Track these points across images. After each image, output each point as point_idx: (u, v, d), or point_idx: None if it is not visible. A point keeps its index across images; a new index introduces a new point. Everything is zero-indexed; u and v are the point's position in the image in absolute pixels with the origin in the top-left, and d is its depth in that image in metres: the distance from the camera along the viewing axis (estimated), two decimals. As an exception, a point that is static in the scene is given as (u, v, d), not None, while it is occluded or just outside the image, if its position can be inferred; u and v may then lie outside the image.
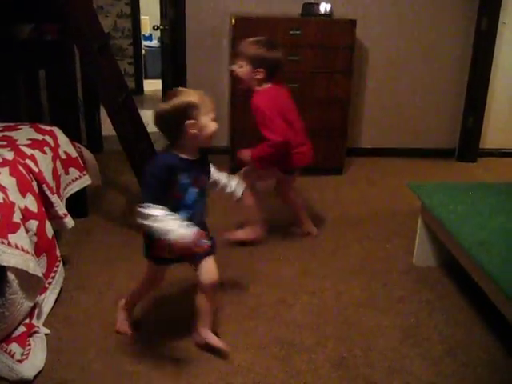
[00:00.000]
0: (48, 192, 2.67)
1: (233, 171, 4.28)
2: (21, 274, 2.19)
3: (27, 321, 2.32)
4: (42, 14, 3.18)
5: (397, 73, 4.73)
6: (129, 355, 2.26)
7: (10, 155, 2.59)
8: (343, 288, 2.78)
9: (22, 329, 2.27)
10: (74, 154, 3.17)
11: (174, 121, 2.01)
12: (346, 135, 4.33)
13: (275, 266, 2.98)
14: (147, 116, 6.48)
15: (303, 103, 4.15)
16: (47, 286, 2.54)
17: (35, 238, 2.45)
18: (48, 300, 2.54)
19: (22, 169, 2.54)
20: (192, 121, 1.99)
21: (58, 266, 2.65)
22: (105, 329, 2.42)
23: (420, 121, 4.87)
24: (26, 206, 2.42)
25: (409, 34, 4.62)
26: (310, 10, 4.27)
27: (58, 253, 2.67)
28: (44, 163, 2.79)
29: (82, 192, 3.29)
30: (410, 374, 2.17)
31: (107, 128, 4.51)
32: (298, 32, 4.00)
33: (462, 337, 2.41)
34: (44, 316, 2.47)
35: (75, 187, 3.17)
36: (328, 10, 4.25)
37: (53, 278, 2.60)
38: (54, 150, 2.98)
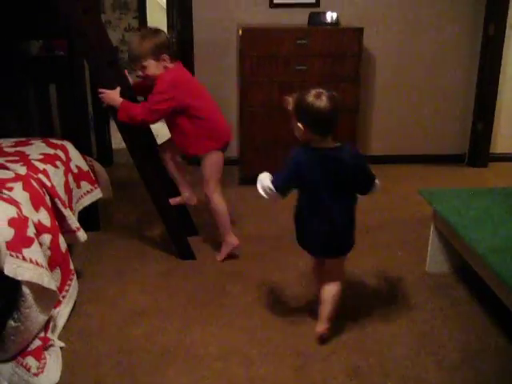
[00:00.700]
0: (61, 206, 2.69)
1: (242, 182, 4.33)
2: (35, 287, 2.20)
3: (42, 334, 2.33)
4: (52, 30, 3.20)
5: (405, 79, 4.73)
6: (143, 367, 2.26)
7: (22, 170, 2.62)
8: (357, 296, 2.77)
9: (37, 342, 2.29)
10: (85, 167, 3.19)
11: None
12: (355, 143, 4.33)
13: (288, 275, 2.98)
14: (157, 129, 6.50)
15: (312, 112, 4.18)
16: (61, 299, 2.55)
17: (49, 252, 2.46)
18: (62, 313, 2.55)
19: (34, 183, 2.56)
20: None
21: (71, 280, 2.67)
22: (119, 341, 2.43)
23: (429, 127, 4.86)
24: (39, 221, 2.44)
25: (416, 40, 4.63)
26: (316, 19, 4.28)
27: (71, 266, 2.68)
28: (56, 177, 2.81)
29: (93, 205, 3.31)
30: (426, 383, 2.16)
31: (117, 141, 4.55)
32: (304, 41, 4.02)
33: (478, 344, 2.40)
34: (59, 329, 2.49)
35: (87, 201, 3.19)
36: (334, 18, 4.26)
37: (67, 291, 2.61)
38: (66, 164, 3.00)
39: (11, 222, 2.17)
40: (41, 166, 2.75)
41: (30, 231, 2.30)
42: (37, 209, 2.47)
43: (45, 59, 3.46)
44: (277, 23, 4.45)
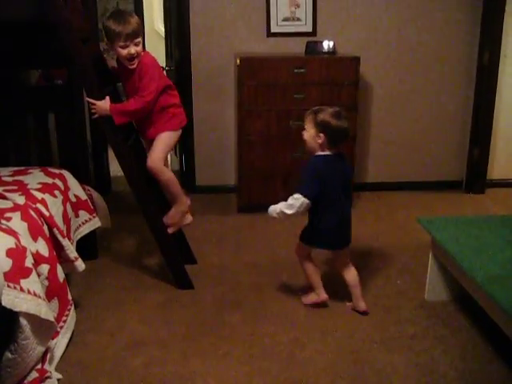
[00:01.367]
0: (59, 236, 2.68)
1: (240, 210, 4.33)
2: (33, 319, 2.19)
3: (39, 366, 2.31)
4: (52, 60, 3.23)
5: (401, 107, 4.77)
6: (142, 399, 2.24)
7: (21, 200, 2.62)
8: (355, 326, 2.75)
9: (34, 374, 2.27)
10: (83, 196, 3.20)
11: None
12: (353, 171, 4.34)
13: (287, 305, 2.96)
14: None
15: (309, 140, 4.20)
16: (59, 329, 2.53)
17: (47, 282, 2.45)
18: (60, 344, 2.53)
19: (33, 213, 2.56)
20: None
21: (69, 310, 2.65)
22: (117, 373, 2.40)
23: (426, 154, 4.89)
24: (37, 251, 2.43)
25: (412, 68, 4.68)
26: (313, 48, 4.33)
27: (69, 296, 2.67)
28: (54, 207, 2.81)
29: (91, 234, 3.30)
30: (428, 414, 2.15)
31: (115, 169, 4.56)
32: (302, 70, 4.05)
33: (479, 373, 2.38)
34: (56, 360, 2.47)
35: (85, 230, 3.19)
36: (331, 47, 4.31)
37: (64, 321, 2.60)
38: (64, 193, 3.01)
39: (9, 253, 2.16)
40: (39, 195, 2.75)
41: (28, 261, 2.29)
42: (35, 239, 2.46)
43: (43, 88, 3.48)
44: (274, 52, 4.50)
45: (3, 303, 2.05)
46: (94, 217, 3.26)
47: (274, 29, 4.52)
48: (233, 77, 4.54)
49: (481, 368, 2.41)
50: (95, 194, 3.39)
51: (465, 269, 2.42)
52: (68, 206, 3.00)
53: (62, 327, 2.57)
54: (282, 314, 2.87)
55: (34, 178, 2.97)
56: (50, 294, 2.47)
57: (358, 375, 2.37)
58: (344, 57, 4.21)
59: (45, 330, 2.30)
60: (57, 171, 3.14)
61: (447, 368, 2.40)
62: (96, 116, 2.95)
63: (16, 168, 3.18)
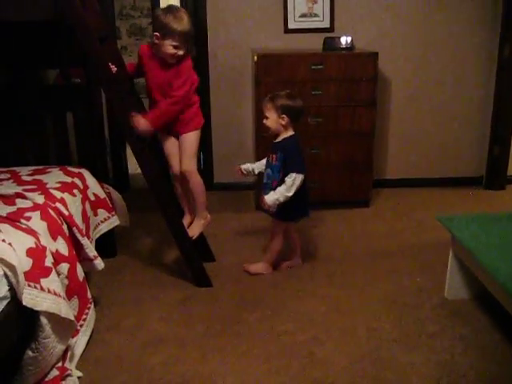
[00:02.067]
0: (78, 234, 2.70)
1: (258, 208, 4.31)
2: (53, 317, 2.21)
3: (60, 364, 2.33)
4: (70, 59, 3.24)
5: (420, 103, 4.72)
6: (161, 398, 2.25)
7: (40, 199, 2.63)
8: (375, 324, 2.74)
9: (54, 372, 2.29)
10: (102, 195, 3.21)
11: None
12: (372, 167, 4.32)
13: (306, 303, 2.96)
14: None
15: (328, 137, 4.18)
16: (79, 328, 2.55)
17: (66, 281, 2.47)
18: (80, 342, 2.55)
19: (52, 212, 2.58)
20: None
21: (89, 308, 2.67)
22: (136, 371, 2.42)
23: (445, 150, 4.84)
24: (57, 250, 2.45)
25: (431, 64, 4.63)
26: (331, 44, 4.30)
27: (89, 295, 2.68)
28: (74, 206, 2.83)
29: (110, 232, 3.31)
30: (448, 414, 2.13)
31: (133, 166, 4.57)
32: (320, 67, 4.03)
33: (500, 374, 2.35)
34: (76, 359, 2.48)
35: (104, 228, 3.21)
36: (349, 43, 4.28)
37: (84, 320, 2.61)
38: (83, 191, 3.02)
39: (29, 252, 2.18)
40: (58, 194, 2.77)
41: (48, 261, 2.31)
42: (55, 238, 2.48)
43: (62, 87, 3.49)
44: (291, 48, 4.48)
45: (24, 302, 2.06)
46: (112, 215, 3.28)
47: (291, 25, 4.50)
48: (250, 74, 4.52)
49: (501, 369, 2.38)
50: (114, 192, 3.40)
51: (486, 267, 2.39)
52: (87, 204, 3.02)
53: (81, 325, 2.59)
54: (300, 312, 2.86)
55: (53, 177, 2.99)
56: (69, 293, 2.49)
57: (377, 374, 2.36)
58: (362, 52, 4.18)
59: (65, 328, 2.32)
60: (75, 170, 3.15)
61: (467, 368, 2.38)
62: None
63: (35, 167, 3.19)
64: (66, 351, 2.38)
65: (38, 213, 2.49)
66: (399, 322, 2.77)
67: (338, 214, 4.24)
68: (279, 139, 3.13)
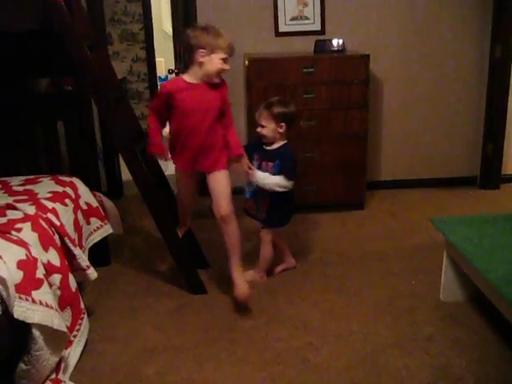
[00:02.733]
0: (70, 245, 2.68)
1: (246, 213, 4.28)
2: (46, 329, 2.20)
3: (54, 376, 2.32)
4: (60, 68, 3.22)
5: (413, 104, 4.72)
6: (156, 409, 2.24)
7: (31, 210, 2.62)
8: (370, 329, 2.73)
9: (48, 384, 2.27)
10: (94, 203, 3.19)
11: None
12: (366, 170, 4.31)
13: (301, 308, 2.95)
14: (165, 164, 6.48)
15: (321, 140, 4.17)
16: (72, 339, 2.54)
17: (59, 292, 2.45)
18: (74, 353, 2.53)
19: (43, 223, 2.56)
20: None
21: (82, 319, 2.65)
22: (131, 381, 2.40)
23: (439, 150, 4.84)
24: (48, 261, 2.43)
25: (422, 65, 4.62)
26: (322, 46, 4.30)
27: (82, 305, 2.67)
28: (65, 215, 2.81)
29: (103, 240, 3.29)
30: (444, 419, 2.12)
31: (127, 173, 4.55)
32: (311, 70, 4.02)
33: (496, 375, 2.34)
34: (70, 370, 2.47)
35: (97, 237, 3.18)
36: (340, 45, 4.27)
37: (78, 330, 2.60)
38: (75, 201, 3.00)
39: (20, 264, 2.16)
40: (50, 204, 2.75)
41: (39, 272, 2.29)
42: (46, 249, 2.47)
43: (52, 96, 3.47)
44: (283, 51, 4.47)
45: (15, 315, 2.05)
46: (105, 223, 3.26)
47: (282, 28, 4.49)
48: (242, 78, 4.51)
49: (497, 370, 2.38)
50: (106, 201, 3.39)
51: (479, 269, 2.38)
52: (79, 213, 3.00)
53: (75, 336, 2.57)
54: (295, 318, 2.85)
55: (45, 187, 2.97)
56: (62, 304, 2.47)
57: (373, 379, 2.35)
58: (353, 55, 4.17)
59: (58, 340, 2.31)
60: (67, 179, 3.14)
61: (463, 371, 2.37)
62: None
63: (26, 177, 3.17)
64: (59, 363, 2.37)
65: (28, 224, 2.48)
66: (394, 325, 2.76)
67: (333, 216, 4.23)
68: (275, 146, 3.10)
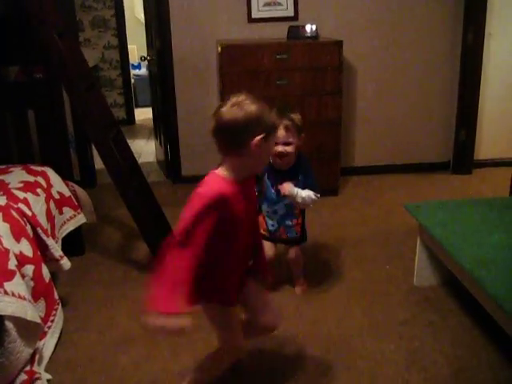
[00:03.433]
0: (43, 235, 2.65)
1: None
2: (19, 321, 2.16)
3: (28, 368, 2.29)
4: (30, 56, 3.16)
5: (386, 90, 4.74)
6: (132, 398, 2.23)
7: (2, 200, 2.58)
8: (345, 314, 2.75)
9: (23, 377, 2.24)
10: (67, 193, 3.16)
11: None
12: (340, 156, 4.33)
13: (276, 295, 2.94)
14: (140, 146, 6.47)
15: (294, 127, 4.16)
16: (47, 330, 2.51)
17: (32, 283, 2.42)
18: (48, 344, 2.51)
19: (15, 214, 2.52)
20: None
21: (56, 309, 2.62)
22: (107, 371, 2.39)
23: (413, 136, 4.88)
24: (21, 252, 2.40)
25: (396, 51, 4.64)
26: (295, 32, 4.28)
27: (56, 296, 2.64)
28: (37, 205, 2.77)
29: (77, 230, 3.26)
30: (419, 401, 2.15)
31: (100, 162, 4.50)
32: (284, 56, 4.01)
33: (469, 358, 2.38)
34: (45, 361, 2.44)
35: (70, 226, 3.15)
36: (314, 31, 4.26)
37: (52, 321, 2.57)
38: (47, 190, 2.97)
39: (-9, 256, 2.13)
40: (21, 194, 2.71)
41: (12, 263, 2.26)
42: (18, 240, 2.43)
43: (22, 84, 3.40)
44: (256, 38, 4.45)
45: (-13, 308, 2.02)
46: (78, 213, 3.23)
47: (255, 14, 4.47)
48: (215, 64, 4.48)
49: (470, 353, 2.41)
50: (79, 190, 3.35)
51: (452, 254, 2.41)
52: (51, 203, 2.96)
53: (49, 327, 2.54)
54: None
55: (16, 177, 2.92)
56: (36, 295, 2.44)
57: (348, 365, 2.37)
58: (326, 41, 4.16)
59: (31, 331, 2.27)
60: (39, 168, 3.09)
61: (437, 354, 2.40)
62: None
63: (-3, 167, 3.13)
64: (34, 354, 2.34)
65: (0, 215, 2.44)
66: (369, 310, 2.78)
67: (308, 203, 4.23)
68: (291, 163, 2.70)
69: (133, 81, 8.01)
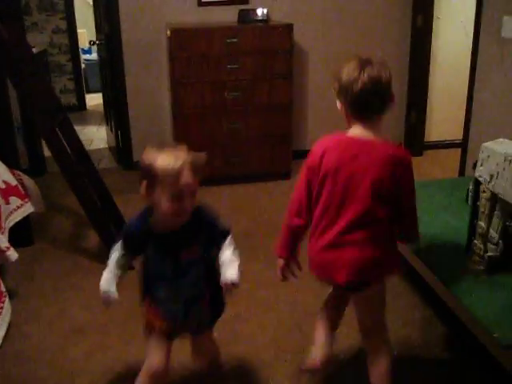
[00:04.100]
0: (-13, 226, 2.58)
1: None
2: (-38, 316, 2.12)
3: (-26, 363, 2.24)
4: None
5: (337, 73, 4.75)
6: (83, 389, 2.20)
7: None
8: (298, 297, 2.77)
9: (-33, 372, 2.20)
10: (13, 182, 3.07)
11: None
12: (291, 139, 4.34)
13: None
14: (92, 132, 6.34)
15: (246, 111, 4.15)
16: (-7, 323, 2.46)
17: (-24, 277, 2.37)
18: (-5, 338, 2.46)
19: (-43, 205, 2.45)
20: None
21: (3, 302, 2.57)
22: (58, 363, 2.36)
23: (364, 118, 4.91)
24: (-37, 244, 2.33)
25: (346, 34, 4.65)
26: (246, 16, 4.25)
27: (2, 288, 2.58)
28: (-19, 196, 2.70)
29: (25, 220, 3.19)
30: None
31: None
32: (234, 40, 3.98)
33: (419, 337, 2.43)
34: (-8, 355, 2.39)
35: (18, 216, 3.07)
36: (264, 14, 4.24)
37: (-1, 314, 2.52)
38: (-8, 180, 2.89)
39: None
40: (-36, 185, 2.63)
41: (-47, 256, 2.20)
42: (-40, 231, 2.36)
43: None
44: (206, 22, 4.39)
45: None
46: (26, 202, 3.14)
47: (205, -3, 4.41)
48: (165, 49, 4.41)
49: (420, 332, 2.46)
50: (26, 179, 3.26)
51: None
52: (-3, 193, 2.89)
53: (-4, 321, 2.49)
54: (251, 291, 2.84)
55: (-42, 167, 2.84)
56: (-20, 288, 2.39)
57: (300, 348, 2.38)
58: (277, 25, 4.15)
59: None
60: (-18, 158, 3.01)
61: (388, 334, 2.43)
62: None
63: None
64: (-21, 349, 2.30)
65: None
66: (322, 293, 2.77)
67: (259, 187, 4.24)
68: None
69: (84, 66, 7.84)
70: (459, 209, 2.67)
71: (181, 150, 1.76)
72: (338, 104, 1.98)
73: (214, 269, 1.91)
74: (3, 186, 2.98)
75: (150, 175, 1.69)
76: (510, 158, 2.02)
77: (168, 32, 3.94)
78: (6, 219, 2.97)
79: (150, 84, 4.55)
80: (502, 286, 2.13)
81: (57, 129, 2.92)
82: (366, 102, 1.83)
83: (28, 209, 3.16)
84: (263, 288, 2.86)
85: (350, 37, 4.66)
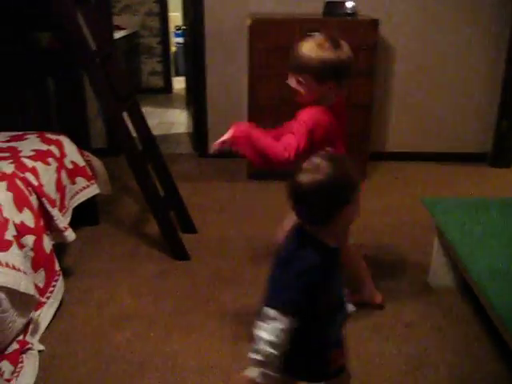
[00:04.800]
0: (48, 205, 2.63)
1: (250, 177, 4.21)
2: (12, 291, 2.16)
3: (21, 337, 2.29)
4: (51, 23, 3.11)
5: (424, 74, 4.52)
6: (118, 376, 2.19)
7: (9, 168, 2.57)
8: (350, 309, 2.64)
9: (14, 346, 2.25)
10: (81, 163, 3.13)
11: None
12: (369, 139, 4.18)
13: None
14: (174, 116, 6.39)
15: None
16: (46, 300, 2.50)
17: (32, 253, 2.41)
18: (46, 315, 2.50)
19: (19, 183, 2.51)
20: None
21: (56, 281, 2.61)
22: (99, 347, 2.37)
23: (449, 123, 4.66)
24: (22, 222, 2.38)
25: (437, 32, 4.41)
26: (332, 8, 4.11)
27: (57, 267, 2.62)
28: (46, 175, 2.75)
29: (92, 200, 3.24)
30: (411, 410, 2.05)
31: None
32: (317, 33, 3.83)
33: (473, 370, 2.23)
34: (40, 332, 2.44)
35: (83, 197, 3.13)
36: (352, 8, 4.08)
37: (51, 292, 2.57)
38: (59, 160, 2.94)
39: (-13, 225, 2.12)
40: (30, 163, 2.69)
41: (9, 234, 2.25)
42: (20, 209, 2.41)
43: (43, 53, 3.35)
44: (291, 12, 4.29)
45: (-22, 277, 2.01)
46: (92, 183, 3.20)
47: (291, -13, 4.31)
48: (246, 37, 4.35)
49: (475, 366, 2.26)
50: (94, 160, 3.32)
51: (463, 259, 2.27)
52: (63, 173, 2.94)
53: (48, 298, 2.54)
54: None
55: (29, 145, 2.92)
56: (35, 265, 2.44)
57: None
58: (361, 19, 3.99)
59: (25, 302, 2.27)
60: (54, 137, 3.07)
61: (438, 362, 2.27)
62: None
63: (14, 133, 3.11)
64: (27, 324, 2.34)
65: (4, 183, 2.43)
66: (375, 308, 2.66)
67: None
68: None
69: (175, 48, 7.93)
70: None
71: None
72: (321, 87, 2.16)
73: None
74: (70, 167, 3.03)
75: None
76: None
77: (248, 22, 3.86)
78: (71, 199, 3.03)
79: (230, 73, 4.51)
80: None
81: (125, 113, 2.92)
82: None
83: (93, 190, 3.21)
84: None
85: (440, 35, 4.42)
